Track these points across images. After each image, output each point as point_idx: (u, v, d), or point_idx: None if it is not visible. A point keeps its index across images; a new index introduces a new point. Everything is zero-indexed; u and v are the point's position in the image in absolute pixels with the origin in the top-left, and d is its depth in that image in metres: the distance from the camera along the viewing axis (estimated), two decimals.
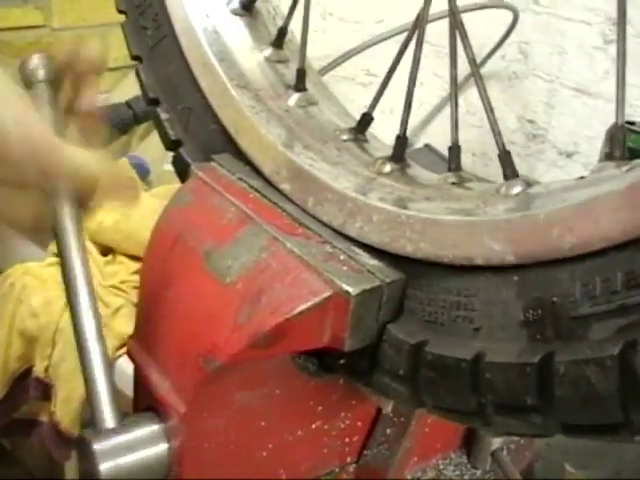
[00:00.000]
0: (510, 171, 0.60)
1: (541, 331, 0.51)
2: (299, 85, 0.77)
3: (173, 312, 0.69)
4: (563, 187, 0.54)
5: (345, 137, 0.74)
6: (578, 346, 0.49)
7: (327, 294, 0.60)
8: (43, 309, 1.40)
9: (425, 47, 0.67)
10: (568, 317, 0.50)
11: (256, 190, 0.72)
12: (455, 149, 0.67)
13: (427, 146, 1.58)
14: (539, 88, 1.62)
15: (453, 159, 0.67)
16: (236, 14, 0.82)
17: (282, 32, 0.81)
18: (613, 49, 1.43)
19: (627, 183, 0.48)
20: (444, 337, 0.57)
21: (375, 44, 1.58)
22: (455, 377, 0.55)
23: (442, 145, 0.66)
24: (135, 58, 0.89)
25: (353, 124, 0.75)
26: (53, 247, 1.47)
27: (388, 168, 0.68)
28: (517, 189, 0.58)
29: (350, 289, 0.59)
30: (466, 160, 0.68)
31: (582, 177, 0.55)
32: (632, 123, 1.31)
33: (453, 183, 0.65)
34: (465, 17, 0.67)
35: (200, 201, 0.73)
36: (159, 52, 0.85)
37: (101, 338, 0.70)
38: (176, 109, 0.83)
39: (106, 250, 1.54)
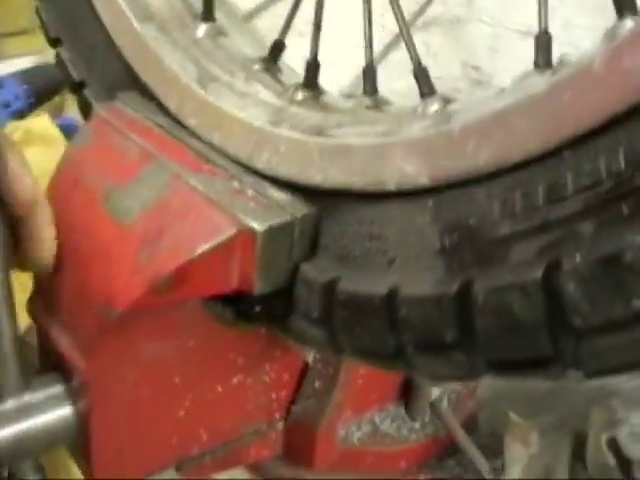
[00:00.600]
0: (427, 89, 0.54)
1: (459, 258, 0.46)
2: (208, 15, 0.71)
3: (72, 261, 0.63)
4: (482, 100, 0.49)
5: (257, 67, 0.68)
6: (498, 271, 0.44)
7: (232, 232, 0.54)
8: None
9: None
10: (486, 240, 0.45)
11: (161, 127, 0.66)
12: (370, 70, 0.61)
13: None
14: (483, 32, 1.57)
15: (368, 81, 0.61)
16: None
17: None
18: None
19: (548, 86, 0.43)
20: (357, 272, 0.52)
21: None
22: (370, 315, 0.50)
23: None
24: None
25: (265, 54, 0.69)
26: None
27: (300, 96, 0.62)
28: (434, 107, 0.53)
29: (256, 225, 0.54)
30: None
31: (503, 89, 0.50)
32: None
33: (368, 107, 0.60)
34: None
35: (101, 141, 0.67)
36: None
37: (7, 304, 0.64)
38: (78, 48, 0.77)
39: None
